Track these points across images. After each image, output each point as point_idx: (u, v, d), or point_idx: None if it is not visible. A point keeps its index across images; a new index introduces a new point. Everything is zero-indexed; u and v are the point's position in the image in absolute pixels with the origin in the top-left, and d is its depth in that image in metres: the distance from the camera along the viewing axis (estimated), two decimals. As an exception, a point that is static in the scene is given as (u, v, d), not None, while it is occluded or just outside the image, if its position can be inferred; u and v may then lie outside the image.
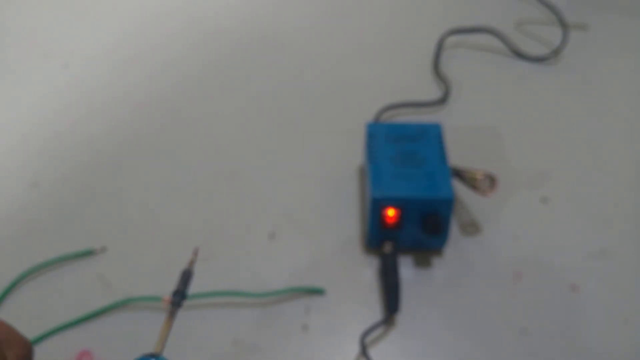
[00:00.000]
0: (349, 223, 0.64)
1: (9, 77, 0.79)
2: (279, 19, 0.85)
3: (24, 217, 0.65)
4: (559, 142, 0.72)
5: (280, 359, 0.56)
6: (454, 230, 0.63)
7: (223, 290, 0.59)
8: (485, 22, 0.81)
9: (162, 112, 0.75)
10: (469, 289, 0.60)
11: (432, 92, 0.76)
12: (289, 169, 0.69)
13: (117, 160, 0.70)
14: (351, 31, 0.84)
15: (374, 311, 0.58)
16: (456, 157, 0.65)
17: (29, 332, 0.41)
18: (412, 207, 0.59)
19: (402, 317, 0.58)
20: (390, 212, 0.59)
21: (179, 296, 0.44)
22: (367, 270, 0.61)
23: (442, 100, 0.75)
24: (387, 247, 0.60)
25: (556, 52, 0.79)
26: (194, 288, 0.58)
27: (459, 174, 0.63)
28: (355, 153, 0.68)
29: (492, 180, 0.62)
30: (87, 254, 0.62)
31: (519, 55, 0.80)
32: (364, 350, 0.55)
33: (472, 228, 0.64)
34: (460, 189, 0.64)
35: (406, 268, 0.61)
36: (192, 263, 0.46)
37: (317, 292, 0.60)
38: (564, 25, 0.81)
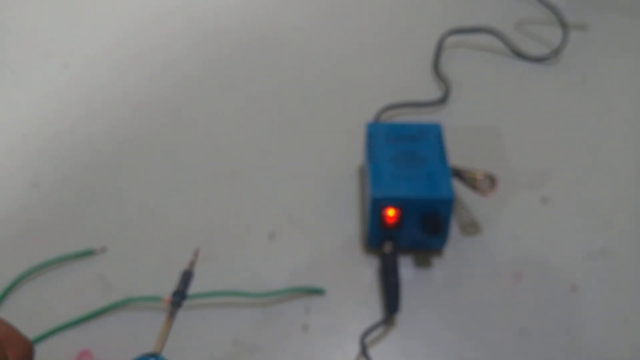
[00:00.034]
0: (349, 223, 0.64)
1: (9, 77, 0.79)
2: (279, 19, 0.85)
3: (24, 217, 0.65)
4: (559, 142, 0.72)
5: (280, 359, 0.56)
6: (454, 230, 0.63)
7: (223, 290, 0.59)
8: (485, 22, 0.81)
9: (162, 112, 0.75)
10: (469, 289, 0.60)
11: (432, 92, 0.76)
12: (289, 169, 0.69)
13: (117, 160, 0.70)
14: (351, 31, 0.84)
15: (374, 311, 0.58)
16: (456, 157, 0.65)
17: (29, 332, 0.41)
18: (412, 207, 0.59)
19: (402, 317, 0.58)
20: (390, 212, 0.59)
21: (179, 296, 0.44)
22: (367, 270, 0.61)
23: (442, 100, 0.75)
24: (387, 247, 0.60)
25: (556, 52, 0.79)
26: (194, 288, 0.58)
27: (459, 174, 0.63)
28: (355, 153, 0.68)
29: (492, 180, 0.62)
30: (87, 254, 0.62)
31: (519, 55, 0.80)
32: (364, 350, 0.55)
33: (472, 228, 0.64)
34: (460, 189, 0.64)
35: (406, 268, 0.61)
36: (192, 264, 0.47)
37: (317, 292, 0.60)
38: (564, 25, 0.81)
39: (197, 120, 0.74)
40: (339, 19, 0.85)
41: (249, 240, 0.63)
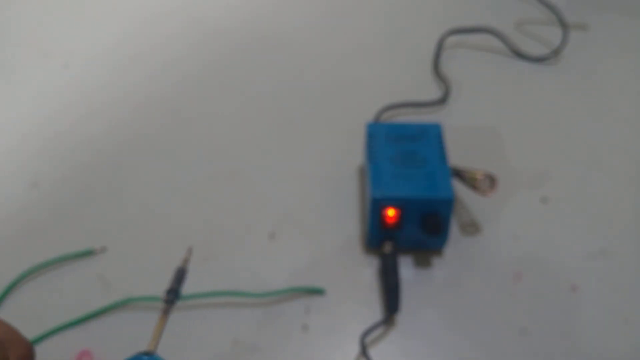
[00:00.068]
0: (349, 223, 0.64)
1: (9, 77, 0.79)
2: (279, 19, 0.85)
3: (24, 217, 0.65)
4: (559, 142, 0.72)
5: (280, 359, 0.56)
6: (454, 230, 0.63)
7: (223, 290, 0.59)
8: (485, 22, 0.81)
9: (162, 112, 0.75)
10: (469, 289, 0.60)
11: (432, 92, 0.76)
12: (289, 169, 0.69)
13: (117, 160, 0.70)
14: (351, 31, 0.84)
15: (374, 311, 0.58)
16: (456, 157, 0.65)
17: (29, 332, 0.41)
18: (412, 207, 0.59)
19: (402, 317, 0.58)
20: (390, 212, 0.59)
21: (173, 294, 0.44)
22: (367, 270, 0.61)
23: (442, 100, 0.75)
24: (387, 247, 0.60)
25: (556, 52, 0.79)
26: (194, 288, 0.58)
27: (459, 174, 0.63)
28: (355, 153, 0.68)
29: (492, 180, 0.62)
30: (87, 254, 0.62)
31: (519, 55, 0.80)
32: (364, 350, 0.55)
33: (472, 228, 0.64)
34: (460, 189, 0.64)
35: (406, 268, 0.61)
36: (186, 261, 0.47)
37: (317, 292, 0.60)
38: (564, 25, 0.81)
39: (197, 120, 0.74)
40: (339, 19, 0.85)
41: (249, 240, 0.63)
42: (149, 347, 0.41)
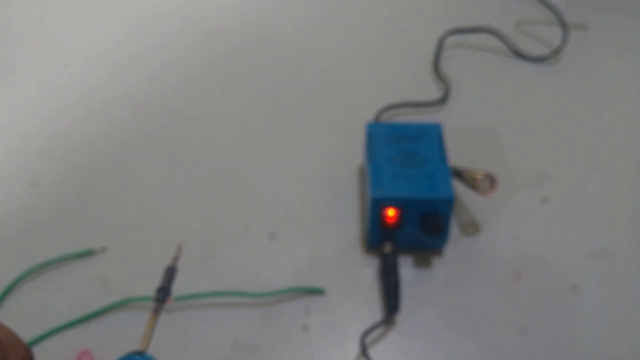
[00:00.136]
0: (349, 223, 0.64)
1: (9, 77, 0.79)
2: (279, 19, 0.85)
3: (24, 217, 0.65)
4: (559, 142, 0.72)
5: (280, 359, 0.56)
6: (454, 230, 0.63)
7: (223, 290, 0.59)
8: (485, 22, 0.81)
9: (162, 112, 0.75)
10: (469, 289, 0.60)
11: (432, 92, 0.76)
12: (289, 169, 0.69)
13: (117, 160, 0.70)
14: (351, 31, 0.84)
15: (374, 311, 0.58)
16: (456, 157, 0.65)
17: (29, 332, 0.41)
18: (412, 207, 0.59)
19: (402, 317, 0.58)
20: (390, 212, 0.59)
21: (163, 292, 0.44)
22: (367, 270, 0.61)
23: (442, 100, 0.75)
24: (387, 247, 0.60)
25: (556, 52, 0.79)
26: (194, 288, 0.58)
27: (459, 174, 0.63)
28: (355, 153, 0.68)
29: (492, 180, 0.62)
30: (87, 254, 0.62)
31: (519, 55, 0.80)
32: (364, 350, 0.55)
33: (472, 228, 0.64)
34: (460, 189, 0.64)
35: (406, 268, 0.61)
36: (175, 259, 0.47)
37: (317, 292, 0.60)
38: (564, 25, 0.81)
39: (197, 120, 0.74)
40: (339, 19, 0.85)
41: (249, 240, 0.63)
42: (141, 346, 0.41)
